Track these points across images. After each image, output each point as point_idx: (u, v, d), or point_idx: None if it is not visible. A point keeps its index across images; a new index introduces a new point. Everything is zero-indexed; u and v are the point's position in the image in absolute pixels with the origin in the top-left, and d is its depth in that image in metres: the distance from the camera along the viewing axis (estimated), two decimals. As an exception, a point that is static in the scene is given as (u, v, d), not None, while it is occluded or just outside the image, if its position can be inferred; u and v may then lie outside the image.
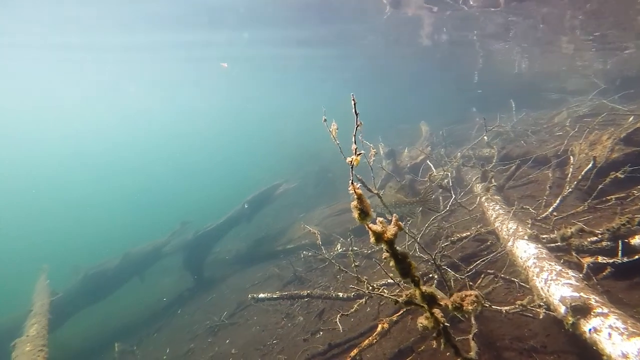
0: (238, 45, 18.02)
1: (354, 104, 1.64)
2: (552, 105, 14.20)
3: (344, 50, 19.17)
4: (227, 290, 11.20)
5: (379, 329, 4.85)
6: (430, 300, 2.22)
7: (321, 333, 6.51)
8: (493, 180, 7.94)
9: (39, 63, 21.67)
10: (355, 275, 4.21)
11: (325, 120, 3.91)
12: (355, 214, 1.87)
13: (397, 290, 6.10)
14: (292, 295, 5.87)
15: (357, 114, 1.66)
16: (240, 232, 14.72)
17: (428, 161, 8.57)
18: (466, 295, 2.09)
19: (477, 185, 8.26)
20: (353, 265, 4.21)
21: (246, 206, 12.74)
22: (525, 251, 4.14)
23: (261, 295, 5.98)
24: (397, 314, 5.06)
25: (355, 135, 1.71)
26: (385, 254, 2.13)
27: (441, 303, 2.17)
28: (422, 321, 2.40)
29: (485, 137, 9.56)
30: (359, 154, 1.71)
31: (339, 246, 9.44)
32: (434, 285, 5.12)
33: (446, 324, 2.47)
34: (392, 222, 2.02)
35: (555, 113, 11.94)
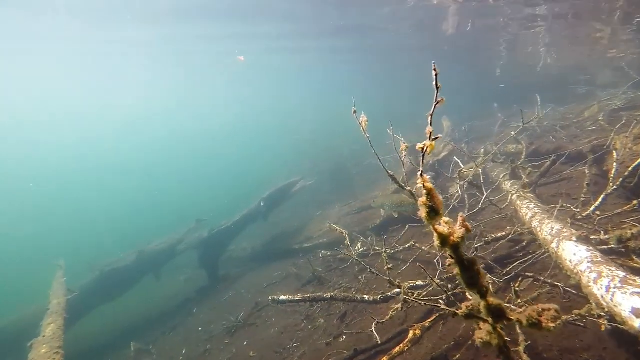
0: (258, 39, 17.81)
1: (436, 75, 1.32)
2: (580, 100, 13.61)
3: (363, 41, 18.73)
4: (243, 289, 10.99)
5: (410, 335, 4.54)
6: (498, 314, 1.91)
7: (344, 337, 6.22)
8: (524, 177, 7.53)
9: (54, 66, 21.89)
10: (388, 278, 3.91)
11: (355, 111, 3.60)
12: (423, 213, 1.55)
13: (426, 293, 5.78)
14: (314, 297, 5.59)
15: (437, 88, 1.34)
16: (255, 229, 14.51)
17: (455, 157, 8.18)
18: (544, 310, 1.76)
19: (506, 182, 7.86)
20: (386, 267, 3.90)
21: (262, 204, 12.51)
22: (575, 254, 3.77)
23: (282, 298, 5.72)
24: (430, 319, 4.74)
25: (432, 115, 1.39)
26: (449, 260, 1.83)
27: (511, 317, 1.86)
28: (483, 336, 2.08)
29: (512, 133, 9.11)
30: (435, 139, 1.39)
31: (359, 245, 9.13)
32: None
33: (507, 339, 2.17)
34: (459, 223, 1.71)
35: (585, 107, 11.39)
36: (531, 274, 4.77)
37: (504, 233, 5.54)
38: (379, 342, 3.72)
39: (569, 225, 4.88)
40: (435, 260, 5.65)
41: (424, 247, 7.16)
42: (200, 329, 9.75)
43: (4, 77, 26.37)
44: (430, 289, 5.79)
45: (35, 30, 15.98)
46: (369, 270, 4.12)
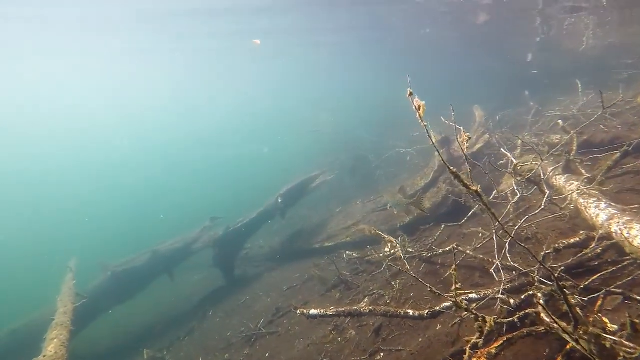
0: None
1: None
2: (624, 85, 12.47)
3: (384, 30, 17.76)
4: (261, 291, 10.33)
5: (474, 365, 3.75)
6: None
7: (382, 354, 5.47)
8: (583, 170, 6.65)
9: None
10: (455, 300, 3.11)
11: (411, 94, 2.80)
12: None
13: (475, 304, 4.98)
14: (350, 312, 4.86)
15: None
16: (272, 226, 13.86)
17: (503, 149, 7.29)
18: None
19: (558, 177, 6.96)
20: (454, 287, 3.10)
21: (280, 200, 11.79)
22: (700, 272, 2.92)
23: (313, 312, 4.99)
24: (496, 344, 3.94)
25: None
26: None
27: None
28: None
29: (559, 122, 8.18)
30: None
31: (389, 246, 8.33)
32: (540, 307, 3.97)
33: None
34: None
35: (636, 92, 10.34)
36: (619, 291, 3.92)
37: (577, 239, 4.68)
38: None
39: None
40: (492, 270, 4.83)
41: (468, 251, 6.35)
42: (216, 335, 9.13)
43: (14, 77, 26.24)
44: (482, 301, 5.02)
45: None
46: (432, 290, 3.30)
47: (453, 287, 3.08)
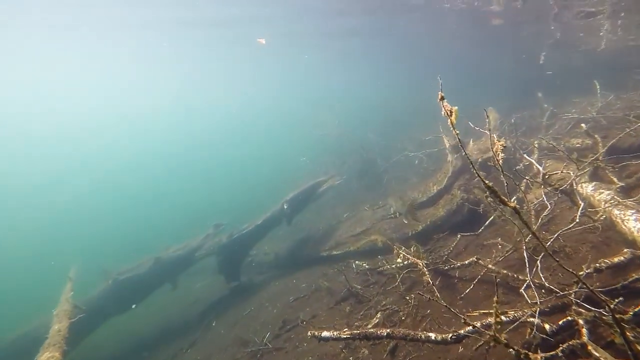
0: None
1: None
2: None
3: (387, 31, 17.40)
4: (267, 302, 9.90)
5: (510, 403, 3.33)
6: None
7: (399, 380, 5.06)
8: (614, 177, 6.19)
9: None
10: (495, 335, 2.69)
11: (442, 98, 2.59)
12: None
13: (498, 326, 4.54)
14: (366, 334, 4.44)
15: None
16: (277, 231, 13.44)
17: (527, 155, 6.85)
18: None
19: (584, 184, 6.50)
20: (495, 320, 2.67)
21: (286, 206, 11.38)
22: None
23: (325, 334, 4.58)
24: (533, 380, 3.50)
25: None
26: None
27: None
28: None
29: (583, 125, 7.72)
30: None
31: (401, 257, 7.91)
32: (584, 337, 3.53)
33: None
34: None
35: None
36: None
37: (621, 258, 4.22)
38: None
39: None
40: (522, 290, 4.40)
41: (490, 265, 5.91)
42: (220, 348, 8.73)
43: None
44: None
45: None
46: (465, 322, 2.89)
47: (494, 321, 2.65)
